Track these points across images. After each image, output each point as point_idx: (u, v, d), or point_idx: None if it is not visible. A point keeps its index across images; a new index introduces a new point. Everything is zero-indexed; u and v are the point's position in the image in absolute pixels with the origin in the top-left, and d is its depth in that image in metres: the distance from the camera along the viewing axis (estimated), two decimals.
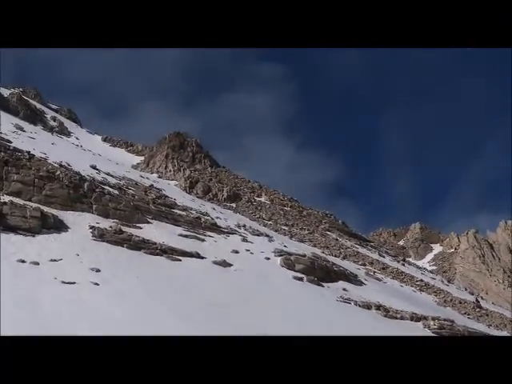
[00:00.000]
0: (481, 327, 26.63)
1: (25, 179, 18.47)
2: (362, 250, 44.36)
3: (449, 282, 56.15)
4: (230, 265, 19.60)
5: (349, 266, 31.16)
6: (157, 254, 17.62)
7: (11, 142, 26.27)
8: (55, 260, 13.68)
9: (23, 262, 12.71)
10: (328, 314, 16.98)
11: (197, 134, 71.05)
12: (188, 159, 59.79)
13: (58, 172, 20.58)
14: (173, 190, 42.82)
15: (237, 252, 22.25)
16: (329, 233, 48.07)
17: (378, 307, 20.56)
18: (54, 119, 66.10)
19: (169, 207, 26.63)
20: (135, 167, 55.04)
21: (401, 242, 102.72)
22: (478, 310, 33.50)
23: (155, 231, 20.62)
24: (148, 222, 21.69)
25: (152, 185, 37.16)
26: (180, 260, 17.95)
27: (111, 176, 31.71)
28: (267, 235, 30.78)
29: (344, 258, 35.05)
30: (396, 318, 20.19)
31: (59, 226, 16.83)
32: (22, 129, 41.84)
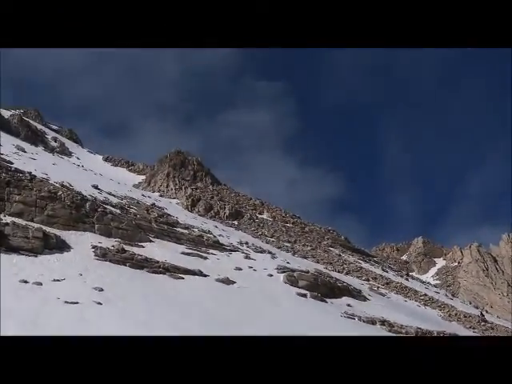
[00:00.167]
0: None
1: (26, 200, 18.51)
2: (365, 266, 44.24)
3: (453, 295, 55.91)
4: (233, 282, 19.54)
5: (352, 281, 31.06)
6: (159, 273, 17.58)
7: (13, 163, 26.43)
8: (58, 280, 13.62)
9: (26, 282, 12.64)
10: (332, 330, 16.85)
11: (198, 152, 71.41)
12: (189, 177, 59.97)
13: (60, 192, 20.63)
14: (175, 208, 42.87)
15: (240, 269, 22.21)
16: (331, 248, 47.98)
17: (383, 322, 20.44)
18: (55, 140, 66.55)
19: (171, 225, 26.64)
20: (137, 186, 55.22)
21: (404, 257, 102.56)
22: (483, 323, 33.27)
23: (157, 250, 20.63)
24: (150, 241, 21.69)
25: (154, 203, 37.21)
26: (183, 278, 17.90)
27: (113, 195, 31.76)
28: (270, 252, 30.74)
29: (347, 274, 34.97)
30: (401, 333, 20.03)
31: (61, 246, 16.83)
32: (23, 150, 42.03)
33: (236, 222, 47.81)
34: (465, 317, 33.06)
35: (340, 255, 45.08)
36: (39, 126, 69.29)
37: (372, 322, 20.22)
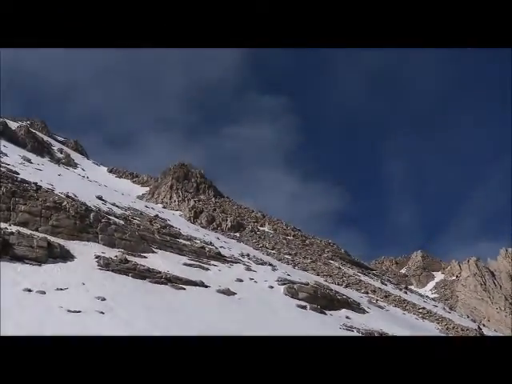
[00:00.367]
0: None
1: (32, 210, 18.82)
2: (364, 278, 44.42)
3: (451, 309, 55.92)
4: (234, 293, 19.75)
5: (351, 294, 31.27)
6: (161, 283, 17.77)
7: (19, 174, 26.89)
8: (61, 289, 13.76)
9: (30, 290, 12.79)
10: None
11: (201, 165, 71.82)
12: (192, 190, 60.36)
13: (65, 203, 20.96)
14: (177, 219, 43.19)
15: (241, 281, 22.48)
16: (331, 261, 48.18)
17: (381, 335, 20.67)
18: (61, 151, 67.17)
19: (173, 237, 26.96)
20: (140, 198, 55.58)
21: (403, 270, 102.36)
22: None
23: (160, 260, 20.87)
24: (153, 252, 21.98)
25: (157, 215, 37.54)
26: (184, 289, 18.09)
27: (117, 206, 32.14)
28: (271, 264, 30.99)
29: (347, 286, 35.20)
30: None
31: (65, 256, 17.05)
32: (29, 160, 42.57)
33: (238, 234, 48.10)
34: (462, 330, 33.20)
35: (340, 268, 45.27)
36: (45, 138, 69.94)
37: (370, 334, 20.45)
